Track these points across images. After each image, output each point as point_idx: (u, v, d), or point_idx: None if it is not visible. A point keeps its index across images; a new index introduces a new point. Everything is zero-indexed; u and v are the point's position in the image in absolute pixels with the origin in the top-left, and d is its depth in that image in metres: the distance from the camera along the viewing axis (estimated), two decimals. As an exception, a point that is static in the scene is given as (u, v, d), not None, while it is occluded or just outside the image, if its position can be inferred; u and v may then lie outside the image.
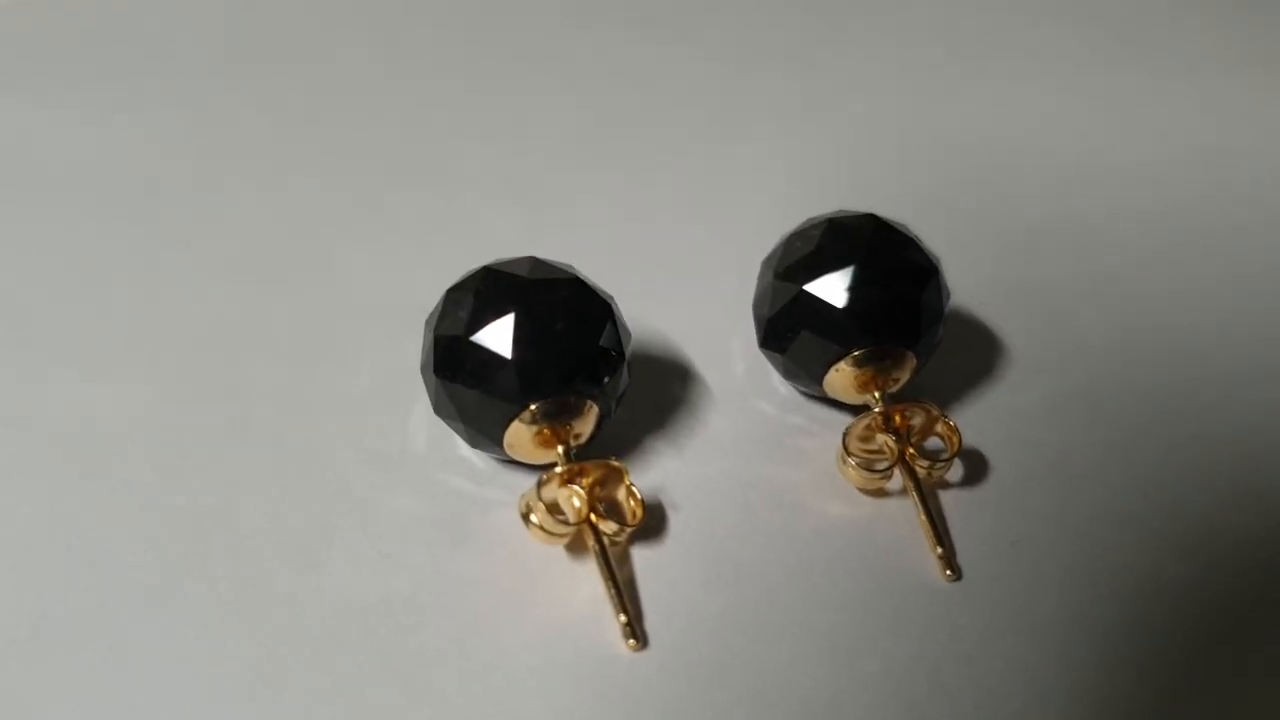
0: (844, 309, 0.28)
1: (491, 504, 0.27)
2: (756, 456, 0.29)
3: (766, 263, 0.30)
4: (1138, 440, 0.30)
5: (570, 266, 0.28)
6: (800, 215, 0.32)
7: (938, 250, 0.33)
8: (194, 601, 0.25)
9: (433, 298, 0.28)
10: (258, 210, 0.36)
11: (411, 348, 0.30)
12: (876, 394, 0.29)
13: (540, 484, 0.26)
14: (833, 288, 0.28)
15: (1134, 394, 0.31)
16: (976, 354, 0.32)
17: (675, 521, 0.28)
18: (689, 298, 0.33)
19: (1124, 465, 0.29)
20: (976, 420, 0.30)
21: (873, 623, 0.26)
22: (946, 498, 0.28)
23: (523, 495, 0.26)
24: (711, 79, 0.42)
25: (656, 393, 0.31)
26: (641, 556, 0.27)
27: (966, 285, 0.34)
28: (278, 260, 0.34)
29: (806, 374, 0.29)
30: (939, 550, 0.27)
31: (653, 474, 0.29)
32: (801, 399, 0.31)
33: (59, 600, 0.25)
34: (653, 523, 0.27)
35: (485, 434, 0.27)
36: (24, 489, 0.27)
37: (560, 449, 0.27)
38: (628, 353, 0.28)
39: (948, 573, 0.27)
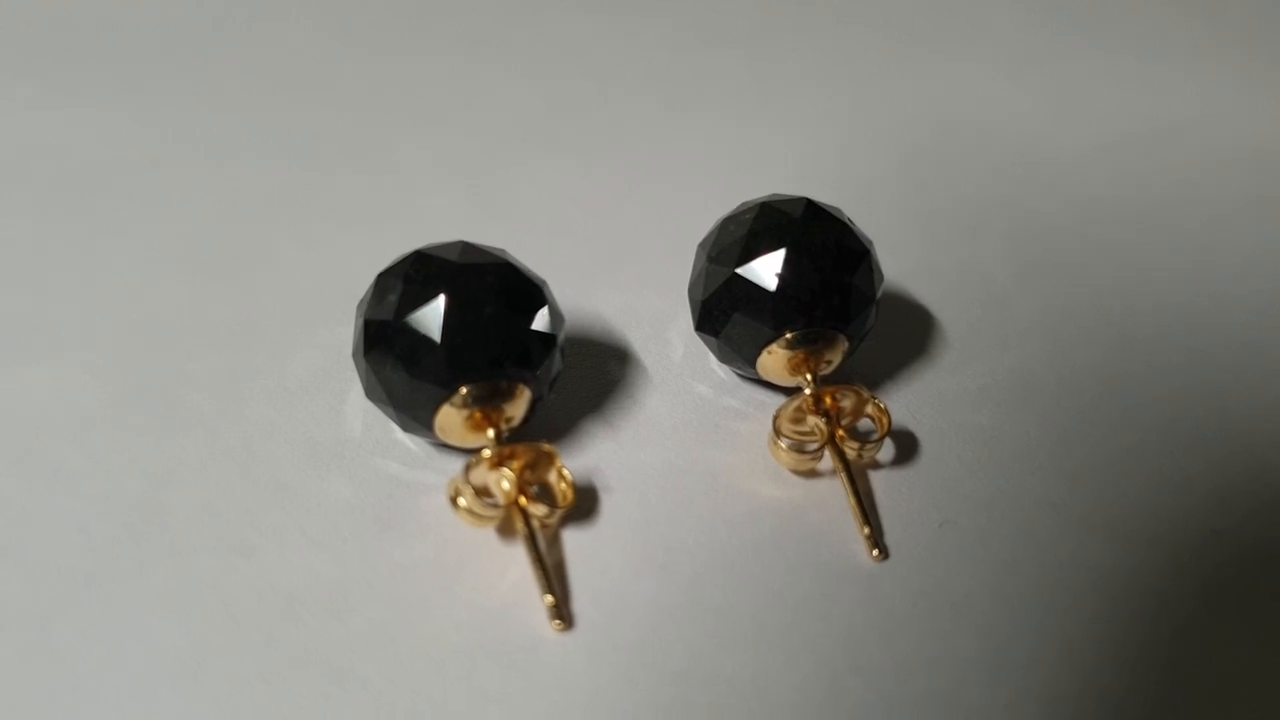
0: (775, 292, 0.28)
1: (424, 488, 0.28)
2: (691, 439, 0.29)
3: (701, 246, 0.30)
4: (1069, 426, 0.30)
5: (503, 251, 0.28)
6: (741, 199, 0.32)
7: (876, 234, 0.33)
8: (122, 589, 0.25)
9: (368, 285, 0.28)
10: (193, 196, 0.35)
11: (346, 336, 0.30)
12: (808, 376, 0.29)
13: (469, 467, 0.26)
14: (764, 270, 0.28)
15: (1067, 380, 0.31)
16: (912, 337, 0.33)
17: (607, 504, 0.28)
18: (629, 281, 0.34)
19: (1054, 450, 0.29)
20: (910, 402, 0.31)
21: (800, 603, 0.26)
22: (877, 478, 0.29)
23: (451, 479, 0.26)
24: (656, 62, 0.42)
25: (593, 375, 0.31)
26: (572, 539, 0.27)
27: (905, 268, 0.34)
28: (213, 246, 0.34)
29: (740, 356, 0.29)
30: (865, 530, 0.27)
31: (587, 456, 0.29)
32: (738, 381, 0.31)
33: (-15, 587, 0.25)
34: (585, 505, 0.28)
35: (416, 418, 0.27)
36: (-48, 475, 0.27)
37: (491, 433, 0.27)
38: (561, 336, 0.28)
39: (874, 552, 0.27)
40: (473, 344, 0.26)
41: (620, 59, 0.42)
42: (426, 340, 0.26)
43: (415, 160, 0.37)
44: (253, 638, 0.24)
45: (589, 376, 0.31)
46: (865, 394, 0.29)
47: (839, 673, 0.25)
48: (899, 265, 0.34)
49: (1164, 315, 0.33)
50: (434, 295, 0.26)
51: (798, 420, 0.29)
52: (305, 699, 0.23)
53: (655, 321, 0.32)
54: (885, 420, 0.28)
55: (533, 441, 0.27)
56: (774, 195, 0.30)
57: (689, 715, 0.24)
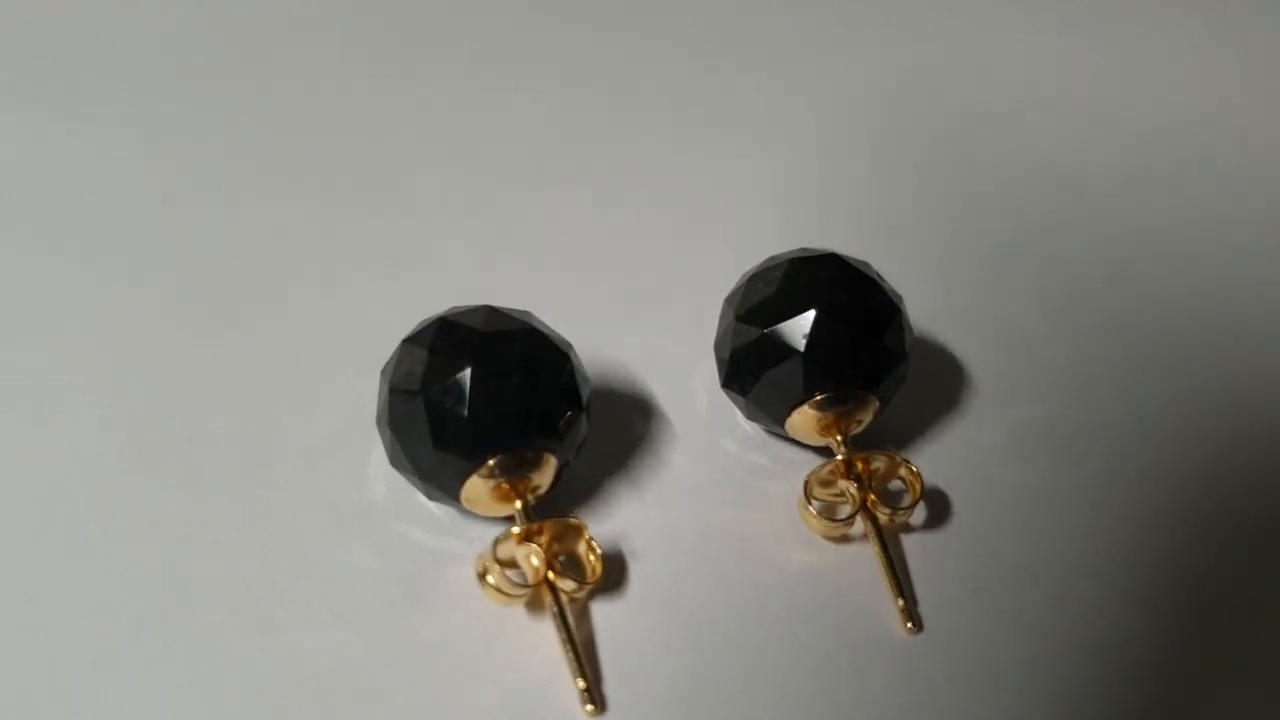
0: (804, 353, 0.28)
1: (450, 558, 0.27)
2: (719, 500, 0.29)
3: (728, 302, 0.30)
4: (1102, 481, 0.30)
5: (528, 314, 0.27)
6: (766, 240, 0.31)
7: (900, 271, 0.33)
8: (144, 667, 0.25)
9: (387, 332, 0.28)
10: (207, 239, 0.35)
11: (367, 388, 0.29)
12: (839, 438, 0.28)
13: (497, 543, 0.25)
14: (794, 331, 0.28)
15: (1099, 432, 0.31)
16: (939, 384, 0.32)
17: (636, 572, 0.27)
18: (651, 325, 0.33)
19: (1086, 509, 0.29)
20: (939, 456, 0.30)
21: (833, 680, 0.25)
22: (909, 541, 0.28)
23: (479, 555, 0.25)
24: (681, 93, 0.42)
25: (618, 430, 0.30)
26: (601, 612, 0.26)
27: (931, 310, 0.34)
28: (230, 290, 0.33)
29: (768, 415, 0.29)
30: (900, 603, 0.27)
31: (614, 521, 0.28)
32: (765, 437, 0.30)
33: (3, 666, 0.25)
34: (614, 574, 0.27)
35: (442, 488, 0.26)
36: (-31, 546, 0.27)
37: (518, 504, 0.26)
38: (586, 401, 0.27)
39: (908, 625, 0.26)
40: (500, 416, 0.26)
41: (642, 91, 0.41)
42: (454, 413, 0.26)
43: (432, 197, 0.37)
44: (280, 722, 0.24)
45: (613, 433, 0.30)
46: (898, 458, 0.28)
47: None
48: (924, 306, 0.34)
49: (1199, 360, 0.33)
50: (460, 366, 0.26)
51: (828, 484, 0.28)
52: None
53: (679, 371, 0.32)
54: (918, 485, 0.28)
55: (559, 512, 0.26)
56: (802, 250, 0.30)
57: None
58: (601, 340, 0.32)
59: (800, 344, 0.28)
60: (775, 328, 0.28)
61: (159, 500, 0.28)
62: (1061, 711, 0.25)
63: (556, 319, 0.28)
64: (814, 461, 0.29)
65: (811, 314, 0.28)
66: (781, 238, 0.35)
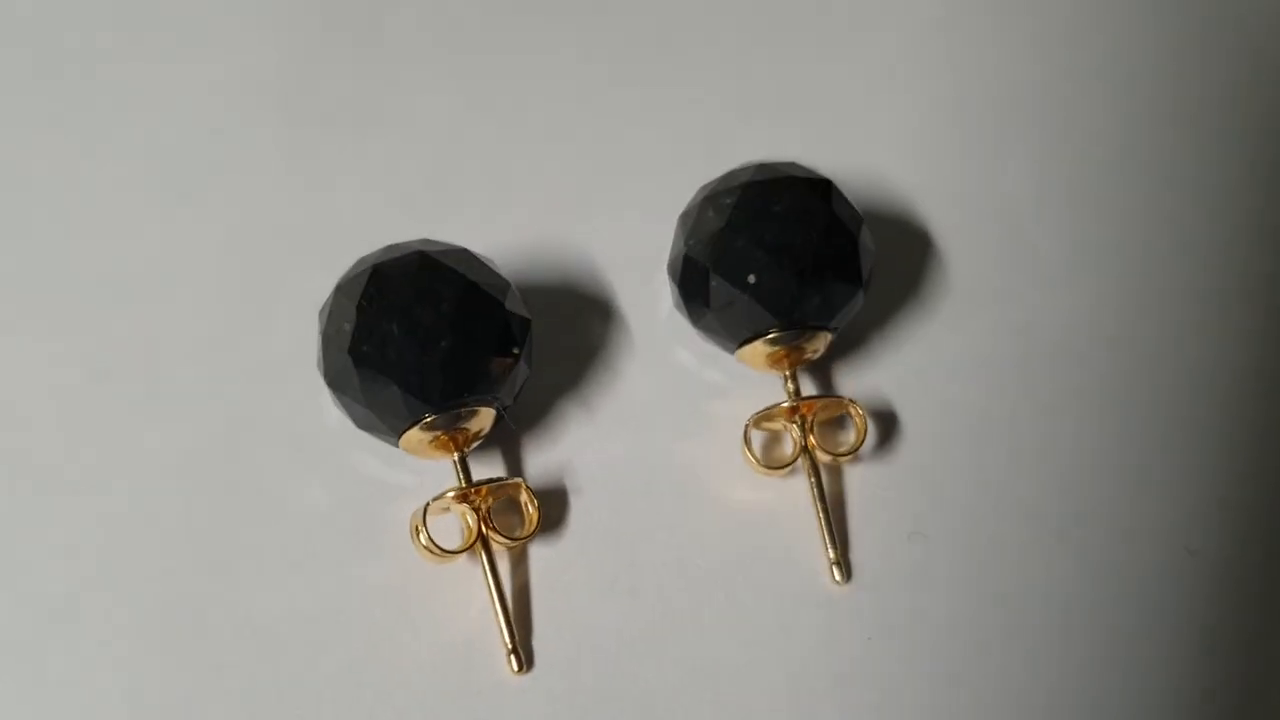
0: (751, 291, 0.27)
1: (400, 491, 0.28)
2: (668, 425, 0.29)
3: (681, 222, 0.28)
4: (1065, 414, 0.29)
5: (464, 253, 0.27)
6: (756, 111, 0.30)
7: (883, 141, 0.31)
8: (105, 615, 0.27)
9: (355, 222, 0.29)
10: (178, 124, 0.33)
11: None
12: (788, 371, 0.28)
13: (428, 506, 0.26)
14: (740, 271, 0.27)
15: (1080, 351, 0.30)
16: (912, 275, 0.31)
17: (576, 510, 0.28)
18: (624, 210, 0.32)
19: (1042, 445, 0.28)
20: (897, 368, 0.29)
21: (762, 631, 0.26)
22: (854, 474, 0.28)
23: (413, 514, 0.26)
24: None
25: (575, 335, 0.30)
26: (539, 556, 0.27)
27: (915, 183, 0.32)
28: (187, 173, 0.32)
29: (718, 344, 0.28)
30: (830, 553, 0.27)
31: (560, 447, 0.29)
32: (720, 350, 0.30)
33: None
34: (554, 512, 0.28)
35: (381, 437, 0.27)
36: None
37: (455, 456, 0.27)
38: (525, 345, 0.27)
39: (836, 577, 0.27)
40: (429, 381, 0.26)
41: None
42: (380, 378, 0.25)
43: (405, 40, 0.34)
44: (230, 672, 0.26)
45: (570, 337, 0.30)
46: (846, 400, 0.28)
47: (800, 706, 0.26)
48: (907, 179, 0.32)
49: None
50: (388, 329, 0.25)
51: (772, 424, 0.28)
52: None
53: (647, 262, 0.30)
54: (863, 430, 0.28)
55: (499, 479, 0.27)
56: (760, 166, 0.28)
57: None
58: (571, 221, 0.31)
59: (746, 284, 0.27)
60: (722, 265, 0.27)
61: (117, 422, 0.29)
62: (983, 668, 0.26)
63: (526, 190, 0.29)
64: (769, 380, 0.29)
65: (760, 254, 0.27)
66: (768, 109, 0.33)
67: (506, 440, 0.29)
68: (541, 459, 0.28)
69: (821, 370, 0.29)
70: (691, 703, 0.26)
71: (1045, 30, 0.34)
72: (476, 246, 0.30)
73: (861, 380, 0.29)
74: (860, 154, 0.33)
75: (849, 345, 0.30)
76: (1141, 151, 0.32)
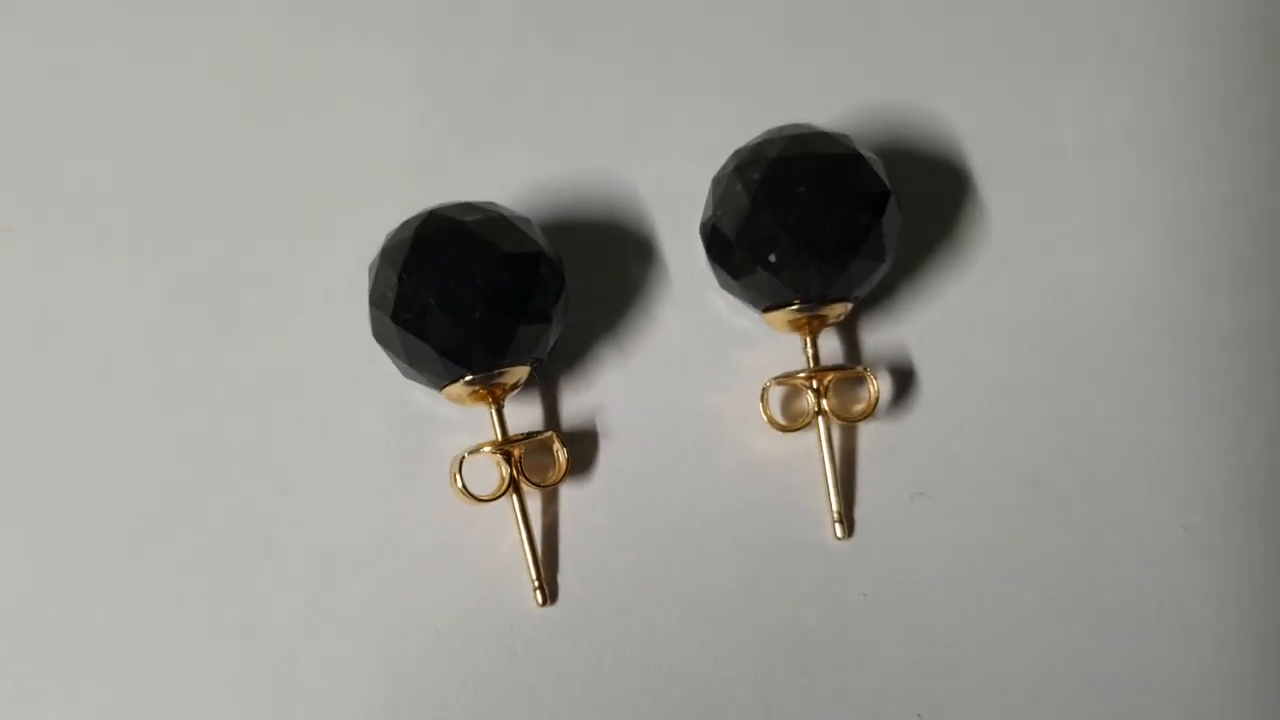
0: (771, 268, 0.28)
1: (448, 426, 0.30)
2: (697, 373, 0.31)
3: (714, 185, 0.29)
4: (1085, 383, 0.30)
5: (500, 219, 0.28)
6: (803, 60, 0.30)
7: (929, 82, 0.32)
8: (178, 530, 0.30)
9: (417, 150, 0.32)
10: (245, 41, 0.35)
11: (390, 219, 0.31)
12: (808, 337, 0.29)
13: (463, 458, 0.29)
14: (762, 248, 0.28)
15: (1111, 318, 0.30)
16: (947, 221, 0.31)
17: (606, 453, 0.30)
18: (671, 140, 0.33)
19: (1056, 412, 0.29)
20: (923, 324, 0.31)
21: (763, 583, 0.29)
22: (867, 432, 0.30)
23: (452, 460, 0.29)
24: None
25: (614, 277, 0.31)
26: (569, 496, 0.30)
27: (962, 124, 0.32)
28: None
29: (743, 303, 0.30)
30: (835, 509, 0.29)
31: (594, 391, 0.31)
32: (753, 297, 0.31)
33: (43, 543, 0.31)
34: (585, 454, 0.30)
35: (423, 386, 0.29)
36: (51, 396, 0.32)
37: (493, 407, 0.29)
38: (559, 306, 0.29)
39: (838, 533, 0.29)
40: (464, 348, 0.28)
41: None
42: (422, 344, 0.28)
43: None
44: (289, 593, 0.29)
45: (609, 281, 0.31)
46: (861, 368, 0.29)
47: (789, 665, 0.28)
48: (955, 117, 0.32)
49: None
50: (427, 299, 0.27)
51: (788, 389, 0.30)
52: (323, 664, 0.29)
53: (690, 204, 0.31)
54: (874, 398, 0.29)
55: (533, 433, 0.29)
56: (795, 134, 0.28)
57: (646, 697, 0.28)
58: (620, 155, 0.32)
59: (768, 262, 0.28)
60: (745, 241, 0.28)
61: (196, 344, 0.32)
62: (973, 631, 0.28)
63: (579, 121, 0.31)
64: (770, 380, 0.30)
65: (781, 236, 0.28)
66: (821, 39, 0.33)
67: (546, 382, 0.31)
68: (576, 401, 0.31)
69: (847, 324, 0.31)
70: (695, 643, 0.28)
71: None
72: (525, 179, 0.32)
73: (884, 335, 0.31)
74: (910, 88, 0.33)
75: (877, 297, 0.31)
76: (1203, 109, 0.32)
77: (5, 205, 0.33)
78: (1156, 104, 0.32)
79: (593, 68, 0.33)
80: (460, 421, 0.30)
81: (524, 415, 0.30)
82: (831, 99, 0.33)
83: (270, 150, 0.33)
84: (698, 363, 0.31)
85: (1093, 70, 0.32)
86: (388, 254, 0.28)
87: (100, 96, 0.34)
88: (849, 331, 0.31)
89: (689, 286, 0.31)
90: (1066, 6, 0.33)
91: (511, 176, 0.32)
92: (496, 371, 0.28)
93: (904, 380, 0.30)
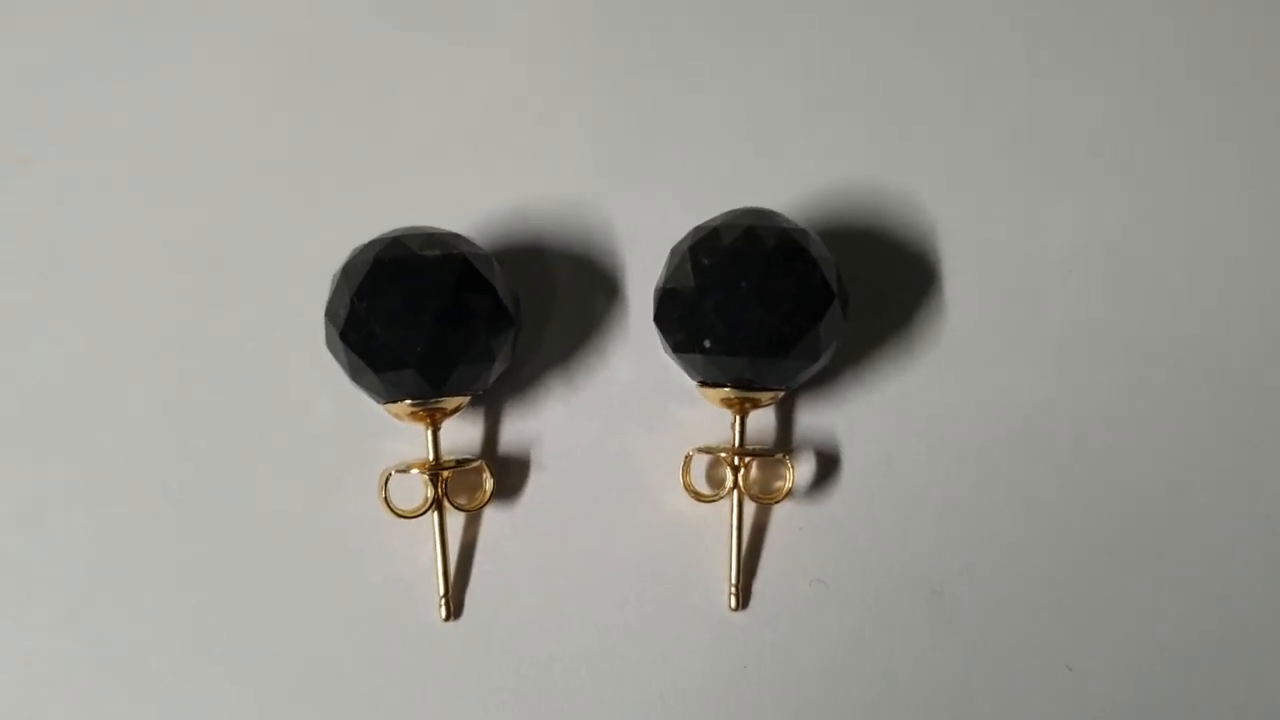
0: (707, 353, 0.29)
1: (396, 430, 0.32)
2: (636, 418, 0.32)
3: (670, 255, 0.30)
4: (996, 500, 0.30)
5: (460, 259, 0.29)
6: (805, 122, 0.31)
7: (916, 147, 0.32)
8: (139, 482, 0.32)
9: (414, 149, 0.33)
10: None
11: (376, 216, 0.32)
12: (736, 418, 0.30)
13: (389, 474, 0.30)
14: (700, 335, 0.29)
15: (1049, 439, 0.31)
16: (903, 315, 0.32)
17: (535, 484, 0.32)
18: (657, 191, 0.33)
19: (963, 526, 0.30)
20: (857, 413, 0.31)
21: (653, 638, 0.30)
22: (781, 509, 0.31)
23: (381, 472, 0.30)
24: None
25: (577, 309, 0.32)
26: (491, 519, 0.31)
27: (951, 214, 0.32)
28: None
29: (683, 371, 0.31)
30: (733, 581, 0.30)
31: (536, 421, 0.32)
32: (703, 356, 0.32)
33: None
34: (515, 481, 0.32)
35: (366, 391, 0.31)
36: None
37: (429, 430, 0.31)
38: (506, 341, 0.30)
39: (732, 604, 0.30)
40: (406, 379, 0.29)
41: None
42: (365, 366, 0.29)
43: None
44: (223, 556, 0.32)
45: (570, 313, 0.32)
46: (781, 456, 0.30)
47: (669, 711, 0.30)
48: (940, 207, 0.32)
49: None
50: (373, 325, 0.29)
51: (711, 461, 0.31)
52: (248, 635, 0.31)
53: (662, 247, 0.32)
54: (788, 485, 0.30)
55: (463, 460, 0.31)
56: (751, 224, 0.29)
57: (536, 715, 0.30)
58: (604, 191, 0.33)
59: (703, 346, 0.29)
60: (686, 321, 0.29)
61: (184, 310, 0.33)
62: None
63: (569, 156, 0.32)
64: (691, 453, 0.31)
65: (719, 326, 0.28)
66: (828, 107, 0.33)
67: (491, 401, 0.32)
68: (517, 427, 0.32)
69: (784, 402, 0.31)
70: (580, 680, 0.30)
71: (1124, 91, 0.33)
72: (510, 199, 0.33)
73: (818, 418, 0.31)
74: (902, 172, 0.33)
75: (818, 380, 0.31)
76: (1192, 240, 0.32)
77: (28, 137, 0.35)
78: (1143, 231, 0.32)
79: (605, 96, 0.34)
80: (404, 428, 0.32)
81: (464, 433, 0.32)
82: (825, 166, 0.33)
83: (290, 122, 0.34)
84: (639, 410, 0.32)
85: (1088, 186, 0.32)
86: (348, 272, 0.30)
87: (137, 37, 0.35)
88: (785, 408, 0.31)
89: (644, 331, 0.32)
90: (1075, 117, 0.33)
91: (505, 191, 0.33)
92: (434, 401, 0.30)
93: (827, 466, 0.31)
